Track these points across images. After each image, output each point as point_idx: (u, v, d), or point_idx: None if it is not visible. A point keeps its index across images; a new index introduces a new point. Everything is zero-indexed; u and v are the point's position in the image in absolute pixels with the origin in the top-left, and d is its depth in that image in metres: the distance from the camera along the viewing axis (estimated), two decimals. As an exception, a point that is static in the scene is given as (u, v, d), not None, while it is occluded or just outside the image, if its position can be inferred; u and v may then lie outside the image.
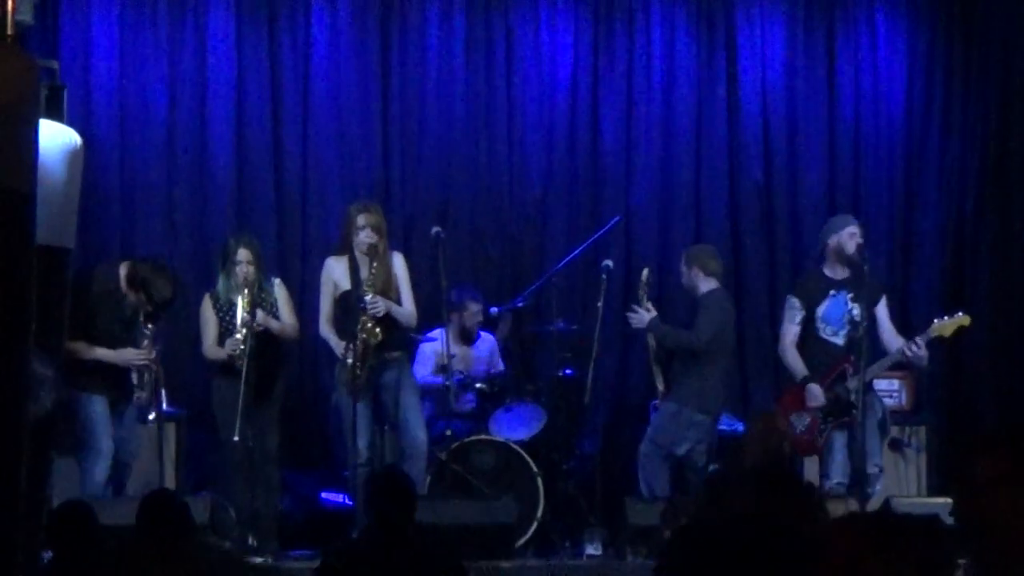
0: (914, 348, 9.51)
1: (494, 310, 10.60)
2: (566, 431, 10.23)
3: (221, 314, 9.45)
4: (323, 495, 10.23)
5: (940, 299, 10.86)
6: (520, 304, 10.66)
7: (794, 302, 9.74)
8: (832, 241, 9.70)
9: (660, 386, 9.85)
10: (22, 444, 3.86)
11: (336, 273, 9.52)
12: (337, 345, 9.43)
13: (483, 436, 9.92)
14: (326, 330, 9.56)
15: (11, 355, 3.91)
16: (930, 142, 11.63)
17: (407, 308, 9.52)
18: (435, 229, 9.74)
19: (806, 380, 9.54)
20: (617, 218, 10.76)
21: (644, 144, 11.40)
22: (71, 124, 8.55)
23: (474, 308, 10.37)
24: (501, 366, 10.53)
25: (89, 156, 9.09)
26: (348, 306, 9.38)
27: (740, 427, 10.51)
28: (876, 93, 11.62)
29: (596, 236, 10.63)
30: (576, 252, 10.52)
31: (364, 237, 9.35)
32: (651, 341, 9.90)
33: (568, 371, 10.21)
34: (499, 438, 9.91)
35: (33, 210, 4.06)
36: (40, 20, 9.63)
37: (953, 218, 11.56)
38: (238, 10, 11.00)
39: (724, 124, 11.49)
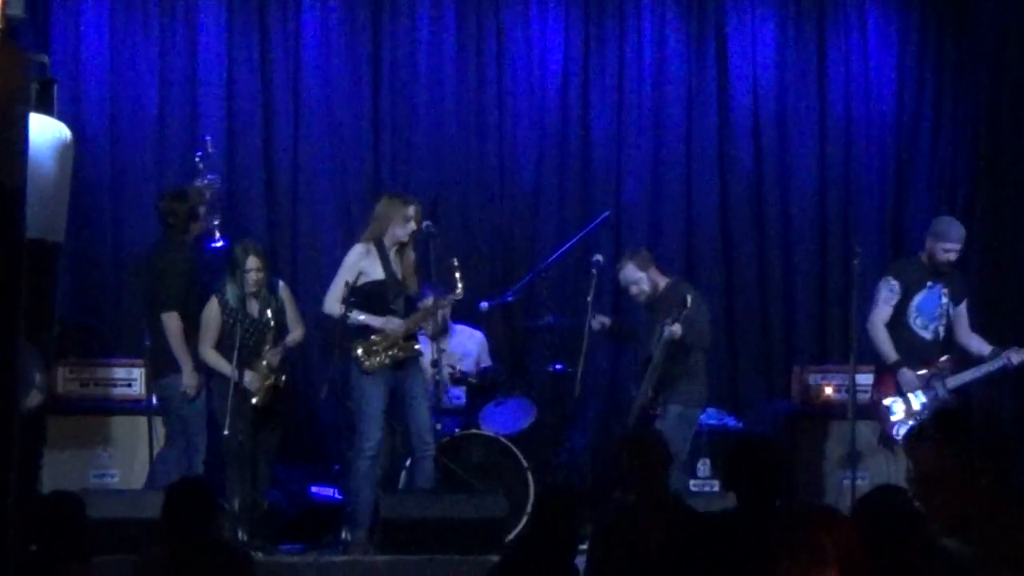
0: (1015, 358, 9.55)
1: (484, 305, 10.57)
2: (556, 425, 10.24)
3: (227, 317, 9.46)
4: (313, 489, 10.24)
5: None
6: (510, 299, 10.66)
7: (893, 284, 9.67)
8: (930, 243, 9.70)
9: (650, 394, 9.75)
10: (14, 439, 3.85)
11: (365, 262, 9.48)
12: (381, 320, 9.38)
13: (473, 431, 9.93)
14: (335, 308, 9.44)
15: (2, 350, 3.90)
16: (921, 135, 11.64)
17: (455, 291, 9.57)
18: (425, 223, 9.72)
19: (898, 364, 9.49)
20: (607, 213, 10.77)
21: (634, 139, 11.41)
22: (61, 118, 8.57)
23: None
24: (488, 362, 10.54)
25: (79, 150, 9.11)
26: (376, 295, 9.40)
27: (731, 422, 10.52)
28: (867, 86, 11.63)
29: (586, 231, 10.63)
30: (566, 247, 10.52)
31: (410, 228, 9.43)
32: (659, 356, 9.74)
33: (558, 366, 10.21)
34: (489, 433, 9.91)
35: (23, 204, 4.05)
36: (31, 14, 9.59)
37: (945, 212, 11.55)
38: (229, 4, 11.00)
39: (714, 119, 11.50)
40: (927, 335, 9.66)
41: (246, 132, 11.00)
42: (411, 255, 9.53)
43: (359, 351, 9.29)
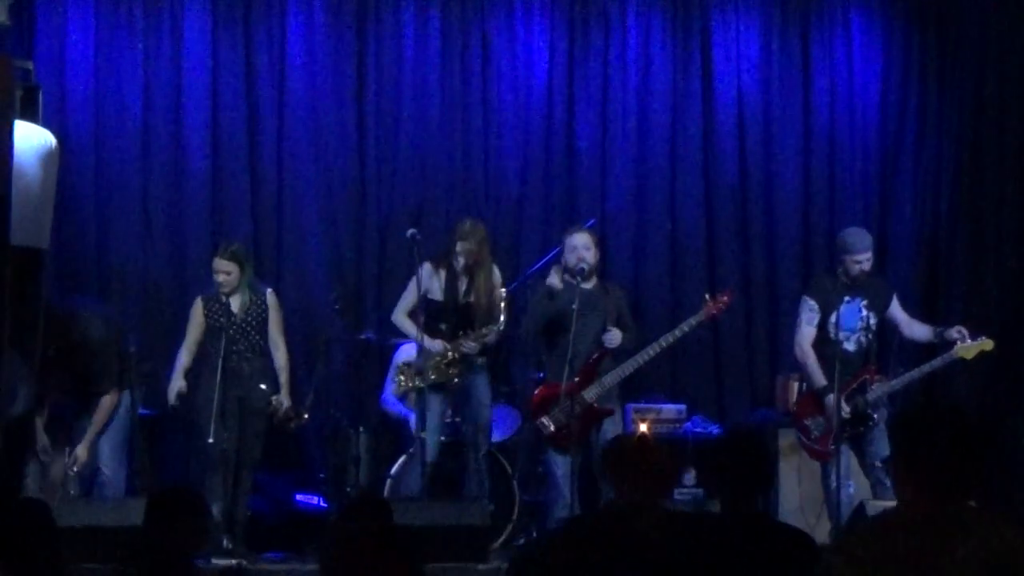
0: (957, 334, 9.66)
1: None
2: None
3: (209, 316, 9.45)
4: (298, 497, 10.21)
5: (914, 302, 10.86)
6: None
7: (811, 304, 9.69)
8: (841, 258, 9.72)
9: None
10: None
11: (429, 281, 9.64)
12: (424, 339, 9.51)
13: (458, 438, 9.90)
14: (402, 319, 9.73)
15: (-14, 356, 3.90)
16: (905, 143, 11.66)
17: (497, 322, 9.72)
18: (411, 231, 9.73)
19: (825, 390, 9.52)
20: (592, 221, 10.74)
21: (619, 146, 11.42)
22: (46, 125, 8.54)
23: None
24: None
25: (64, 157, 9.08)
26: (431, 314, 9.59)
27: (715, 430, 10.52)
28: (851, 94, 11.66)
29: (571, 239, 10.61)
30: (551, 254, 10.48)
31: (460, 250, 9.66)
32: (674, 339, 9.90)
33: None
34: (474, 440, 9.89)
35: (8, 211, 4.06)
36: (15, 20, 9.59)
37: (928, 220, 11.58)
38: (214, 10, 11.00)
39: (699, 127, 11.51)
40: (851, 347, 9.64)
41: (231, 139, 10.99)
42: (491, 277, 9.72)
43: (400, 371, 9.63)
